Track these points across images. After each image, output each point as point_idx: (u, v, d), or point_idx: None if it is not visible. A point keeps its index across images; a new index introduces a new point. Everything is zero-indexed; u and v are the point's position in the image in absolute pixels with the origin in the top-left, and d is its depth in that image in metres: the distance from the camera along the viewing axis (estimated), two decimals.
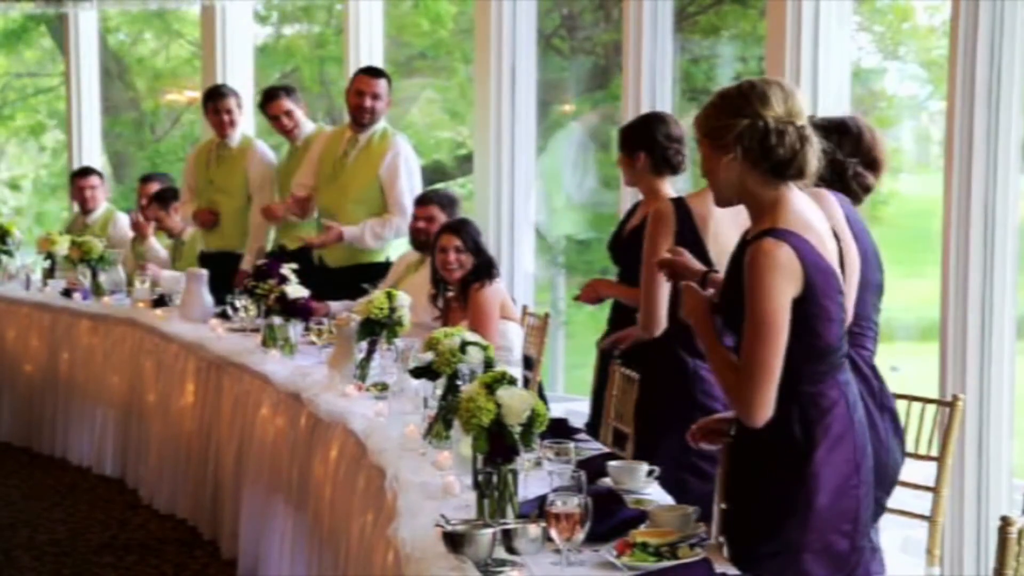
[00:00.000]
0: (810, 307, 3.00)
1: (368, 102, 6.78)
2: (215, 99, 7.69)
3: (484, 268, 5.62)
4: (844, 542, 3.06)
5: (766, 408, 3.00)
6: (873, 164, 3.86)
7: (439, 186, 9.31)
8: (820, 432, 3.02)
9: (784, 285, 2.96)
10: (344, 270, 6.80)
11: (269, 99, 7.45)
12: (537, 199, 9.06)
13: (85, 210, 9.04)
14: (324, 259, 6.93)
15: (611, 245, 5.38)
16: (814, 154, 3.05)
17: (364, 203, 6.84)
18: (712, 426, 3.45)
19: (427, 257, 6.08)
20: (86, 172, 9.23)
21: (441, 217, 6.05)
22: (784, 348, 2.98)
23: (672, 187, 5.10)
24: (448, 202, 6.23)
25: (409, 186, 6.81)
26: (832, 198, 3.60)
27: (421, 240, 6.15)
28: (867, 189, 3.85)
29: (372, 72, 6.93)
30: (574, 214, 10.14)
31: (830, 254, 3.07)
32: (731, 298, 3.10)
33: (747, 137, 3.03)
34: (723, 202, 3.17)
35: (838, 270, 3.09)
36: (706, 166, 3.15)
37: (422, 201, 6.28)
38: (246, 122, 8.35)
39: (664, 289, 4.10)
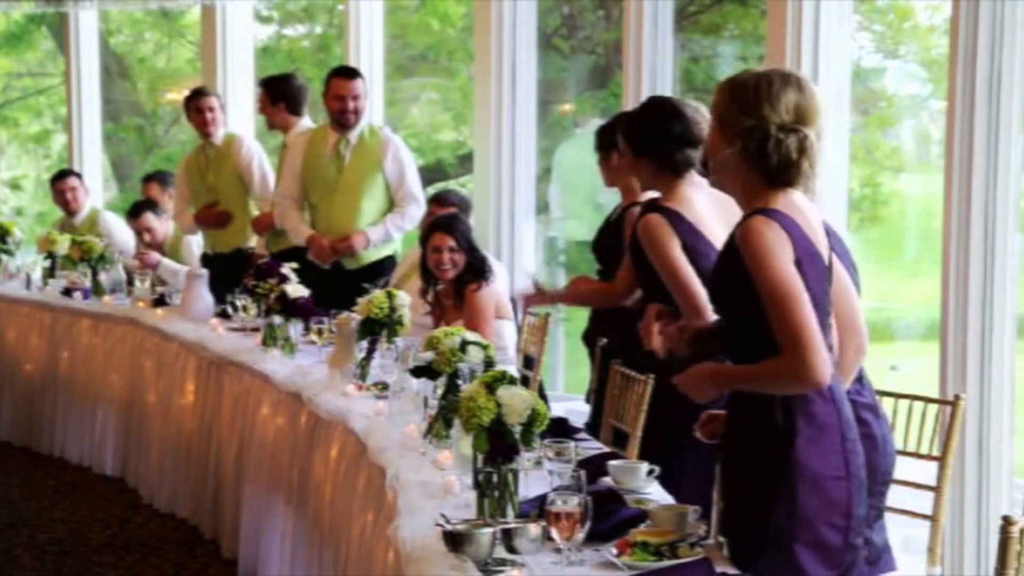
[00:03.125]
0: None
1: (351, 104, 6.84)
2: (196, 99, 7.72)
3: (478, 267, 5.62)
4: (836, 536, 3.05)
5: (824, 367, 2.96)
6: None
7: (439, 186, 9.33)
8: (802, 421, 3.03)
9: (783, 252, 2.99)
10: (357, 271, 6.78)
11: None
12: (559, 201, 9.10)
13: (69, 212, 9.03)
14: (341, 261, 6.91)
15: (595, 244, 5.39)
16: (810, 165, 3.07)
17: (375, 200, 6.86)
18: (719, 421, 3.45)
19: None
20: (64, 175, 9.20)
21: (449, 241, 5.95)
22: (810, 305, 2.96)
23: None
24: (466, 206, 6.28)
25: (415, 180, 6.92)
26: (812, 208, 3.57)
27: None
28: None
29: (348, 74, 6.95)
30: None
31: (820, 244, 3.09)
32: (723, 280, 3.13)
33: (747, 138, 3.07)
34: (716, 181, 3.25)
35: (826, 259, 3.10)
36: (709, 140, 3.21)
37: (443, 201, 6.31)
38: (246, 123, 8.35)
39: (694, 276, 4.02)
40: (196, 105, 7.68)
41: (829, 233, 3.51)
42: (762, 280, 2.99)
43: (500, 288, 5.76)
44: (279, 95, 7.36)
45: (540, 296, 5.31)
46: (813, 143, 3.07)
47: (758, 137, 3.05)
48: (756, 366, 3.05)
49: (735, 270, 3.04)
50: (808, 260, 3.03)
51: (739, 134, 3.07)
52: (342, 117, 6.83)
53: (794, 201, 3.08)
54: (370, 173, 6.86)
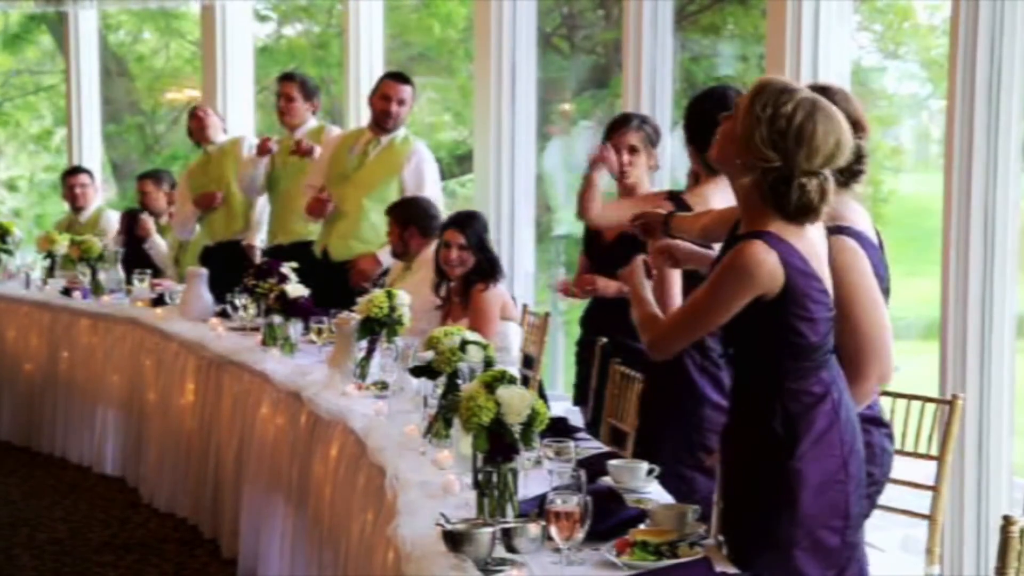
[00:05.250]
0: (790, 307, 3.00)
1: (394, 107, 6.84)
2: (192, 110, 7.99)
3: (487, 268, 5.61)
4: (834, 538, 3.05)
5: (670, 354, 3.30)
6: (855, 127, 3.52)
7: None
8: (803, 428, 3.02)
9: (744, 292, 3.00)
10: (349, 263, 6.80)
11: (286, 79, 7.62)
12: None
13: (76, 208, 9.13)
14: (328, 253, 6.93)
15: (589, 244, 5.37)
16: (826, 205, 3.01)
17: (380, 201, 6.83)
18: (650, 220, 3.55)
19: (410, 265, 6.12)
20: (76, 171, 9.38)
21: (460, 239, 5.77)
22: (708, 329, 3.14)
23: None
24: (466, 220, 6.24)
25: (436, 195, 6.84)
26: (855, 248, 3.37)
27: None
28: (862, 157, 3.51)
29: (399, 78, 6.97)
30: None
31: (819, 260, 3.06)
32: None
33: (770, 174, 2.98)
34: (721, 171, 3.26)
35: (826, 274, 3.08)
36: (724, 140, 3.08)
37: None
38: (247, 122, 8.37)
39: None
40: (191, 113, 7.95)
41: (869, 246, 3.43)
42: (711, 287, 3.04)
43: (503, 289, 5.74)
44: (313, 93, 7.49)
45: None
46: (831, 182, 2.99)
47: (781, 179, 2.96)
48: (654, 315, 3.26)
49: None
50: (803, 281, 3.00)
51: (760, 169, 2.97)
52: (382, 117, 6.85)
53: (795, 227, 3.03)
54: (387, 176, 6.84)
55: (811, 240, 3.06)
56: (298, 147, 7.14)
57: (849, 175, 3.33)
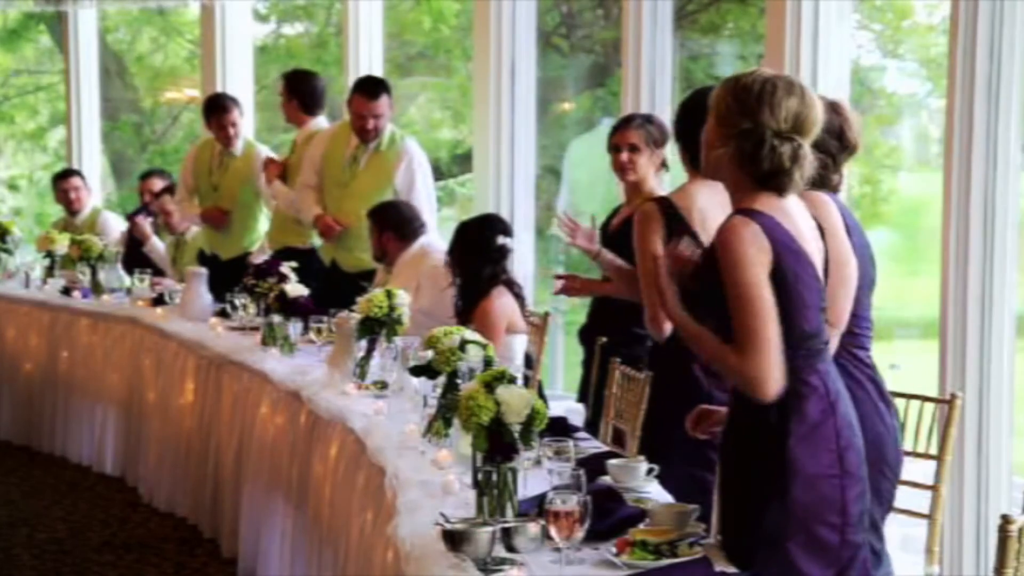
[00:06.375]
0: (782, 290, 3.01)
1: (370, 123, 6.69)
2: (218, 113, 7.65)
3: (480, 283, 5.48)
4: (832, 535, 3.03)
5: (773, 379, 2.98)
6: (853, 149, 3.75)
7: (438, 184, 9.30)
8: (795, 419, 3.02)
9: (756, 256, 2.98)
10: (359, 275, 6.76)
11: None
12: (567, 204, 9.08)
13: (71, 211, 9.09)
14: (339, 264, 6.89)
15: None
16: (801, 175, 3.06)
17: None
18: (714, 416, 3.45)
19: (391, 269, 6.13)
20: (68, 174, 9.30)
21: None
22: (774, 316, 2.97)
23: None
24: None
25: (426, 194, 6.78)
26: (828, 200, 3.57)
27: None
28: (838, 172, 3.72)
29: (369, 92, 6.71)
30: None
31: (807, 244, 3.08)
32: (705, 280, 3.11)
33: (742, 140, 3.06)
34: (709, 174, 3.23)
35: (816, 261, 3.09)
36: (705, 137, 3.18)
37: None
38: (246, 122, 8.35)
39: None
40: (218, 121, 7.62)
41: (851, 230, 3.53)
42: (729, 280, 3.00)
43: (512, 303, 5.61)
44: (295, 91, 7.37)
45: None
46: (807, 153, 3.06)
47: (753, 141, 3.04)
48: (719, 344, 3.05)
49: (713, 267, 3.04)
50: (793, 260, 3.01)
51: (735, 135, 3.06)
52: (360, 133, 6.74)
53: (780, 204, 3.07)
54: (381, 183, 6.75)
55: (799, 225, 3.08)
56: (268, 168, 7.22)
57: (819, 181, 3.41)
